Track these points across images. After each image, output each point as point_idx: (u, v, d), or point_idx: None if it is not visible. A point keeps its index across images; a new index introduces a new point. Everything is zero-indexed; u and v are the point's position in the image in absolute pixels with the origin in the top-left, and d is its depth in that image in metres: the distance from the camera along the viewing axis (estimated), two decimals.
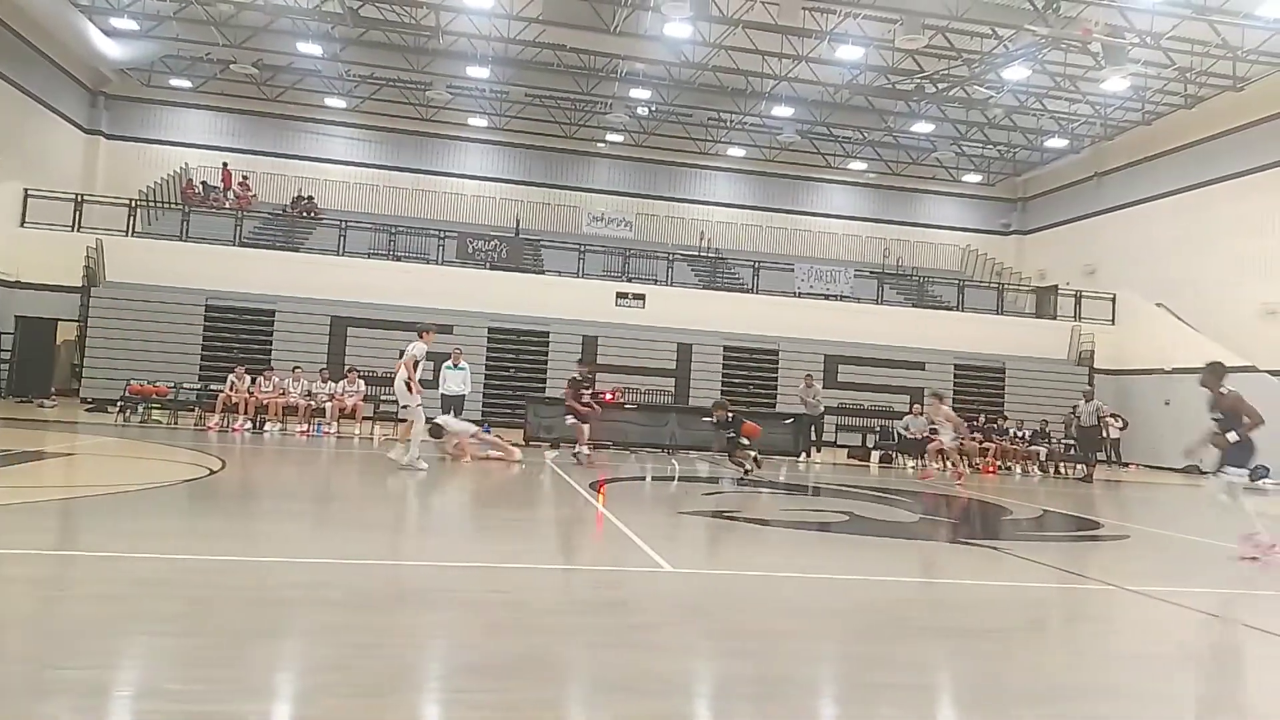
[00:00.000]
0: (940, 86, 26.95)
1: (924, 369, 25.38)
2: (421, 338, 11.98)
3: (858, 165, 35.49)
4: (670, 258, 28.06)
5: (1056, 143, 31.01)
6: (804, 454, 19.10)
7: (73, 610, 4.51)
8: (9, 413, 17.16)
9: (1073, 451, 20.79)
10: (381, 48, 27.87)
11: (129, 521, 7.11)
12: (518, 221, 31.20)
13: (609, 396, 18.30)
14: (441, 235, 26.39)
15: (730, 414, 13.54)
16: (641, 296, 25.37)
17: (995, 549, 8.76)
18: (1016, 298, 30.53)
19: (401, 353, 12.47)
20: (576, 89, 29.70)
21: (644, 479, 13.67)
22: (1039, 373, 26.23)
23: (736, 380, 24.55)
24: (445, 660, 4.13)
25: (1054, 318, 28.46)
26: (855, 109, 30.14)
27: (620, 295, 25.28)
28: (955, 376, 25.75)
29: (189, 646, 3.93)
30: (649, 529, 8.20)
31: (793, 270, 27.84)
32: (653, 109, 31.42)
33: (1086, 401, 19.72)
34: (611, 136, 34.07)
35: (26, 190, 23.29)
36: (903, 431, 19.37)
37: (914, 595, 6.34)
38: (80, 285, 22.01)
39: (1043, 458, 20.54)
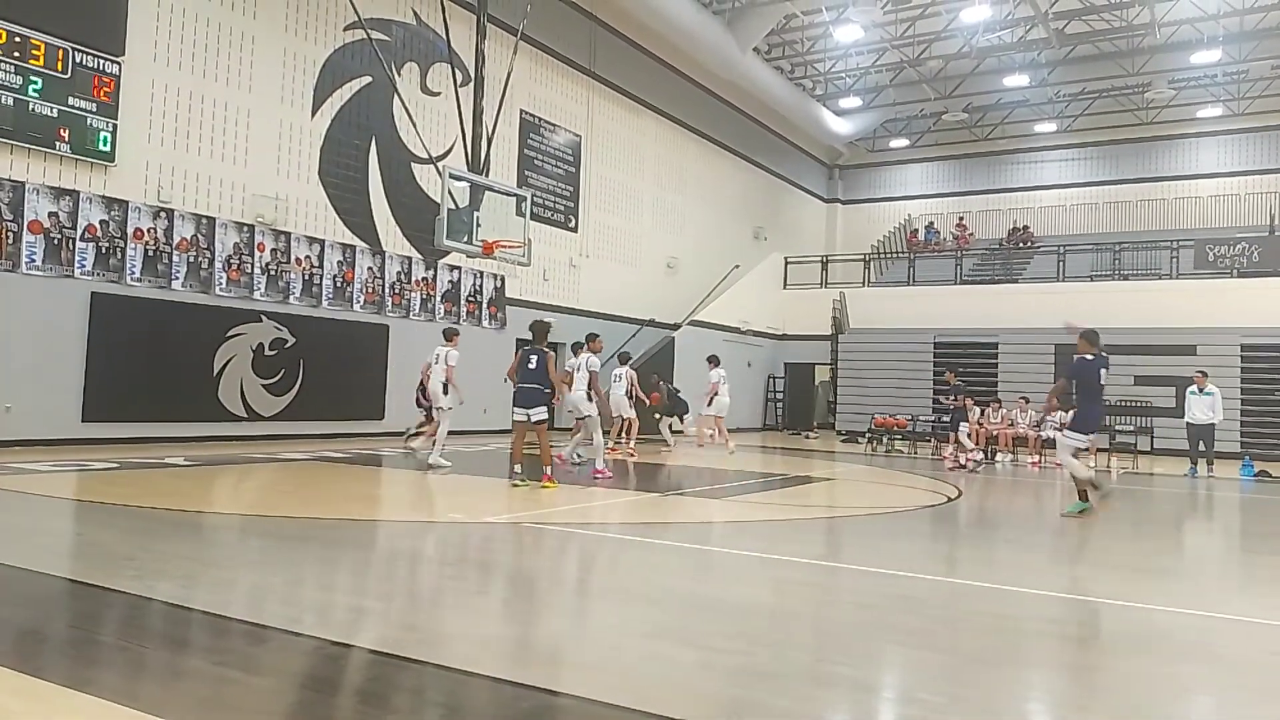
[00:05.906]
0: None
1: None
2: (589, 346, 11.91)
3: None
4: None
5: None
6: None
7: (838, 614, 5.29)
8: (783, 443, 20.76)
9: None
10: (1090, 60, 26.55)
11: (879, 540, 8.05)
12: (1272, 218, 26.16)
13: None
14: (1175, 246, 23.62)
15: None
16: None
17: None
18: None
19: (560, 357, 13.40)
20: None
21: None
22: None
23: None
24: (1207, 718, 3.72)
25: None
26: None
27: None
28: None
29: (934, 661, 4.23)
30: None
31: None
32: None
33: None
34: None
35: (786, 258, 28.17)
36: None
37: None
38: (829, 333, 25.65)
39: None
